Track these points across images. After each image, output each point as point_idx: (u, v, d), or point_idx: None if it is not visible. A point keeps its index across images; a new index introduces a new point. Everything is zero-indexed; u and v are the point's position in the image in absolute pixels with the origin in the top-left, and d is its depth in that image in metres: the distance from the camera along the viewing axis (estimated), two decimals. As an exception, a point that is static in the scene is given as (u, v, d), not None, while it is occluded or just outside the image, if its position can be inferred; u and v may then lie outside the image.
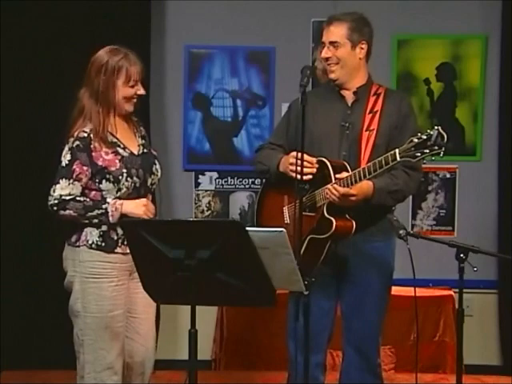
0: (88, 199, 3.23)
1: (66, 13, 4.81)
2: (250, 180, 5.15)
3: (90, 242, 3.24)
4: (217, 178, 5.18)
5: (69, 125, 3.30)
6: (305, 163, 3.24)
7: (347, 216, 3.33)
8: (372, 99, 3.47)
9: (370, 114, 3.43)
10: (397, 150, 3.13)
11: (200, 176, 5.18)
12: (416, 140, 3.07)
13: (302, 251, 3.29)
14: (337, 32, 3.42)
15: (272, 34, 5.08)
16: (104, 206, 3.21)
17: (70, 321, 3.32)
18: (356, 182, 3.25)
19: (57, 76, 4.76)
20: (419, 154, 3.06)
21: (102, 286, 3.24)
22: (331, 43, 3.43)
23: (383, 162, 3.18)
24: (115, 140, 3.30)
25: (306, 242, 3.32)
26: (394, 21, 5.04)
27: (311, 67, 3.32)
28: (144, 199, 3.30)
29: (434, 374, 4.81)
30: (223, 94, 5.14)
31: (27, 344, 4.88)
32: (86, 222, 3.23)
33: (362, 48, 3.47)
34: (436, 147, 3.03)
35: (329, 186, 3.28)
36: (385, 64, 5.05)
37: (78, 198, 3.22)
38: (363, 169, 3.24)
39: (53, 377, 4.67)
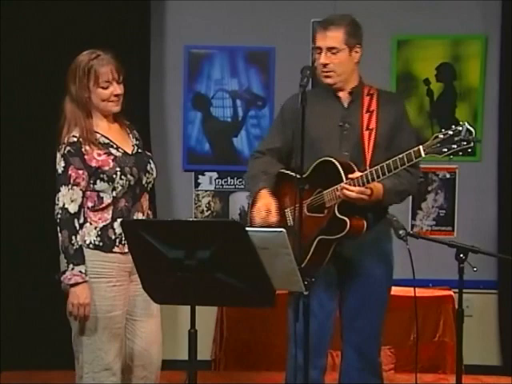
0: (78, 245, 3.21)
1: (65, 13, 4.81)
2: (250, 180, 5.15)
3: (87, 242, 3.24)
4: (217, 179, 5.18)
5: (57, 133, 3.30)
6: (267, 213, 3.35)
7: (357, 215, 3.32)
8: (366, 99, 3.46)
9: (368, 114, 3.43)
10: (421, 147, 3.13)
11: (200, 176, 5.18)
12: (441, 136, 3.08)
13: (310, 252, 3.30)
14: (335, 37, 3.38)
15: (272, 34, 5.08)
16: (71, 266, 3.19)
17: (69, 321, 3.32)
18: (373, 180, 3.24)
19: (57, 77, 4.75)
20: (446, 150, 3.07)
21: (101, 286, 3.24)
22: (329, 49, 3.38)
23: (405, 159, 3.17)
24: (107, 141, 3.31)
25: (315, 243, 3.32)
26: (394, 21, 5.05)
27: (311, 67, 3.31)
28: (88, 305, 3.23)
29: (433, 375, 4.80)
30: (223, 95, 5.14)
31: (27, 344, 4.87)
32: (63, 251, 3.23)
33: (357, 52, 3.44)
34: (465, 142, 3.04)
35: (343, 184, 3.26)
36: (385, 64, 5.05)
37: (73, 237, 3.20)
38: (381, 167, 3.22)
39: (53, 377, 4.66)
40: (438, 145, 3.09)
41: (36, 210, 4.77)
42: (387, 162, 3.21)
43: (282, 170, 3.51)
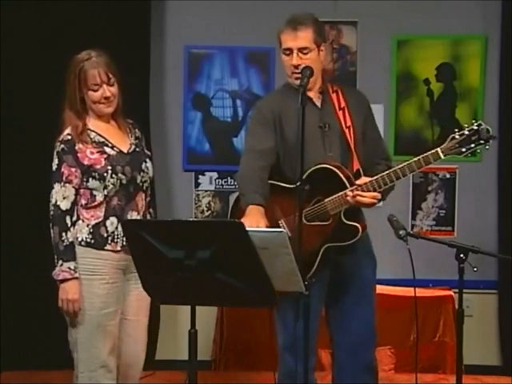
0: (68, 242, 3.24)
1: (65, 13, 4.80)
2: (250, 180, 5.14)
3: (79, 239, 3.27)
4: (217, 179, 5.18)
5: (58, 132, 3.35)
6: None
7: (356, 217, 3.32)
8: (334, 97, 3.45)
9: (341, 111, 3.41)
10: (439, 149, 3.15)
11: (200, 176, 5.18)
12: (458, 136, 3.12)
13: (317, 262, 3.28)
14: (305, 37, 3.35)
15: (272, 34, 5.02)
16: (60, 262, 3.23)
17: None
18: (386, 184, 3.23)
19: (56, 77, 4.74)
20: (465, 150, 3.12)
21: (93, 283, 3.26)
22: (300, 49, 3.34)
23: (422, 161, 3.18)
24: (102, 140, 3.33)
25: (321, 251, 3.29)
26: (394, 21, 5.04)
27: (311, 68, 3.30)
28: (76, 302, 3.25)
29: (433, 375, 4.80)
30: (223, 95, 5.14)
31: (27, 344, 4.87)
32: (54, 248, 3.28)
33: (322, 50, 3.42)
34: (482, 141, 3.10)
35: (355, 192, 3.24)
36: (385, 64, 5.05)
37: (64, 234, 3.24)
38: (394, 172, 3.21)
39: (53, 377, 4.66)
40: (457, 145, 3.13)
41: (36, 210, 4.74)
42: (401, 166, 3.20)
43: (270, 181, 3.39)
